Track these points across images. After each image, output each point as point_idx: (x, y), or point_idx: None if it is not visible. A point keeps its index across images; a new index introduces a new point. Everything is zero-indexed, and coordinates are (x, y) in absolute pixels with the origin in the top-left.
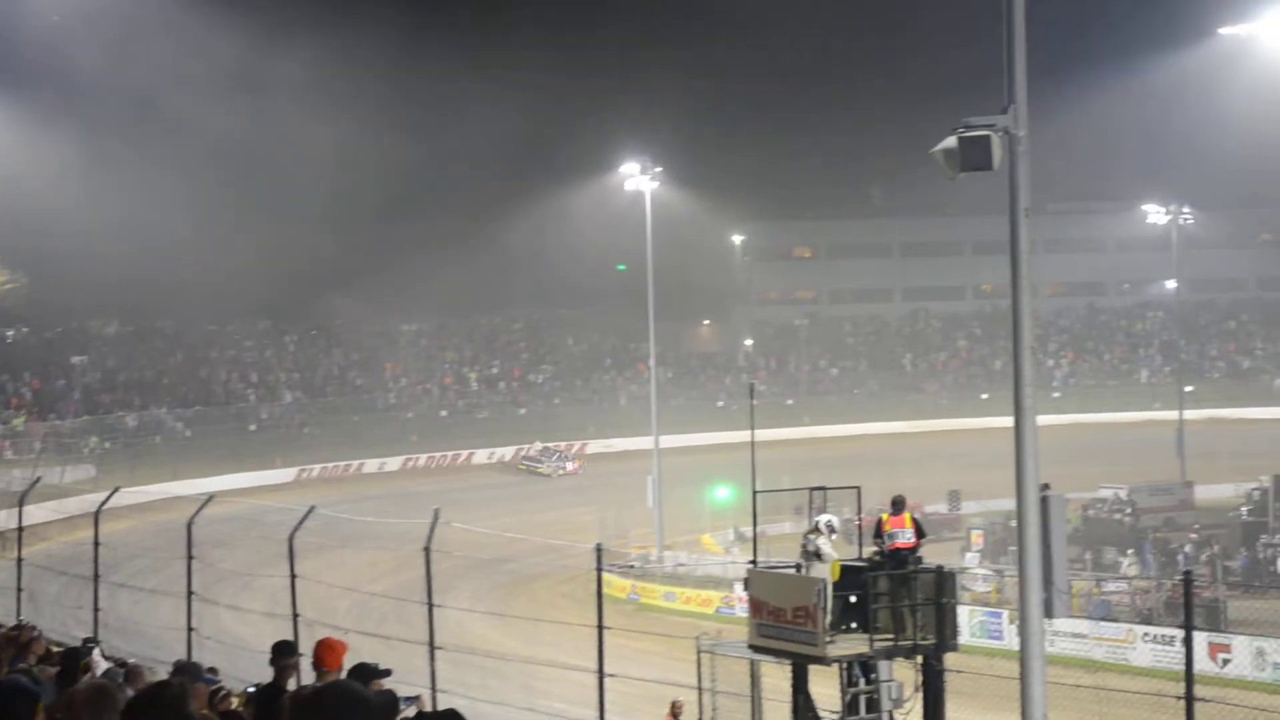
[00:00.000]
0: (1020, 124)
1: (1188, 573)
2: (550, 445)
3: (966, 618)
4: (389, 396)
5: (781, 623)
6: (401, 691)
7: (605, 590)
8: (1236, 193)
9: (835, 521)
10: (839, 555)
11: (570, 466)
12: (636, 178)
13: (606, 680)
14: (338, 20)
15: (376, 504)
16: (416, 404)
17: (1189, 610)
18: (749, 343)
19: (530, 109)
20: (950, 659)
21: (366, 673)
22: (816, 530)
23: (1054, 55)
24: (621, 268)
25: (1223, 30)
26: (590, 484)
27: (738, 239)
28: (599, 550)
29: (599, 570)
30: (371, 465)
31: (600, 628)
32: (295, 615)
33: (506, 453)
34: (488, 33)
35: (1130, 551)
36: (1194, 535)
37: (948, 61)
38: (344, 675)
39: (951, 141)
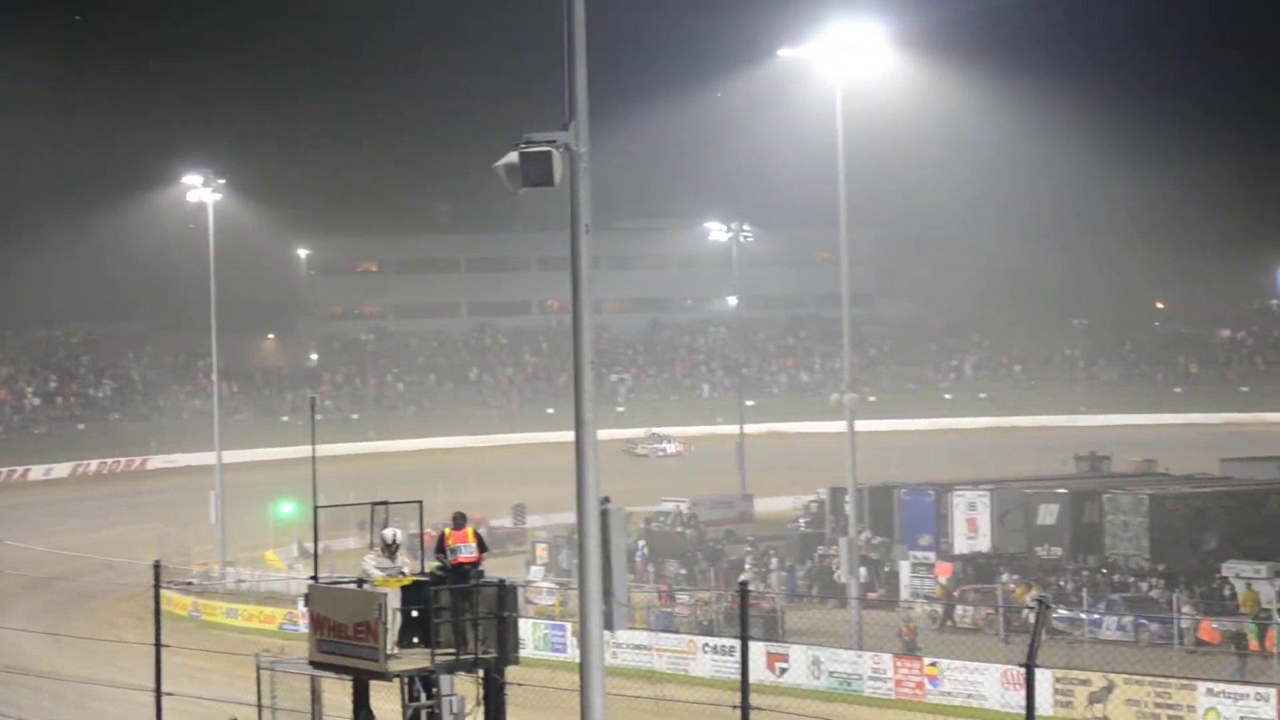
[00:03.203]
0: (581, 141)
1: (743, 583)
2: (657, 431)
3: (530, 631)
4: None
5: (343, 638)
6: None
7: (166, 608)
8: (795, 212)
9: (395, 535)
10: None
11: (672, 449)
12: (199, 189)
13: (165, 700)
14: None
15: None
16: None
17: (744, 620)
18: (314, 357)
19: (91, 119)
20: (513, 672)
21: None
22: (371, 547)
23: (619, 74)
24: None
25: (782, 52)
26: (151, 500)
27: (303, 252)
28: (157, 567)
29: (157, 587)
30: None
31: (158, 645)
32: None
33: (65, 469)
34: (48, 40)
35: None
36: (748, 548)
37: (515, 78)
38: None
39: (513, 157)
